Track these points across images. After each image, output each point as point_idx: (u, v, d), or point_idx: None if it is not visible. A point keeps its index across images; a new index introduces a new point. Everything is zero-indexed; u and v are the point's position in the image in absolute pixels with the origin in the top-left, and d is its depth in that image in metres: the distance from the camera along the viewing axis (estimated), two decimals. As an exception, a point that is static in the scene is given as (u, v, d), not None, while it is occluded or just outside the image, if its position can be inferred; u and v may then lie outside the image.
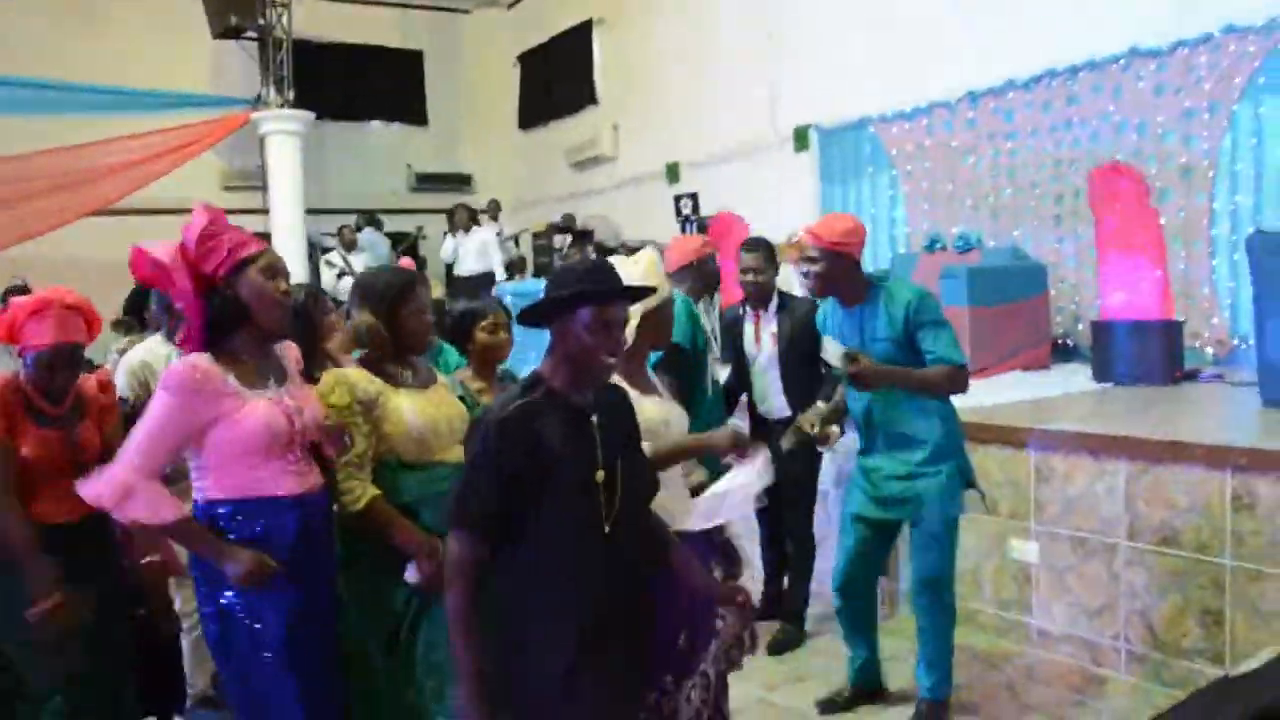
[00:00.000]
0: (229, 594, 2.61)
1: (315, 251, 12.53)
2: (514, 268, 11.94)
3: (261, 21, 11.88)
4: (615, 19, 12.95)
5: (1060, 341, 7.44)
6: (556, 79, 14.02)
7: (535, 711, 2.24)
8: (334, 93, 13.26)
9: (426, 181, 15.03)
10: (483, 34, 15.43)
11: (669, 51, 11.73)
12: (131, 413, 3.46)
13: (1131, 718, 3.49)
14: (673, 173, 11.69)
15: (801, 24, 9.86)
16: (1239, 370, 6.02)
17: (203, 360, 2.60)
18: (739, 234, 9.60)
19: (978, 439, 4.71)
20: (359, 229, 12.58)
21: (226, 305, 2.63)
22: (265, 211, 12.21)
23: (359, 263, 12.07)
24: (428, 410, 2.89)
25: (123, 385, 3.72)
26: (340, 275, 11.59)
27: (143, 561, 3.37)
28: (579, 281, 2.27)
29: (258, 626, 2.62)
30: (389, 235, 13.20)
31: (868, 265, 3.89)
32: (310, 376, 3.02)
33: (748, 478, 2.85)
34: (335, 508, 2.81)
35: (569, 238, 11.41)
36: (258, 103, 11.85)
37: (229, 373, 2.60)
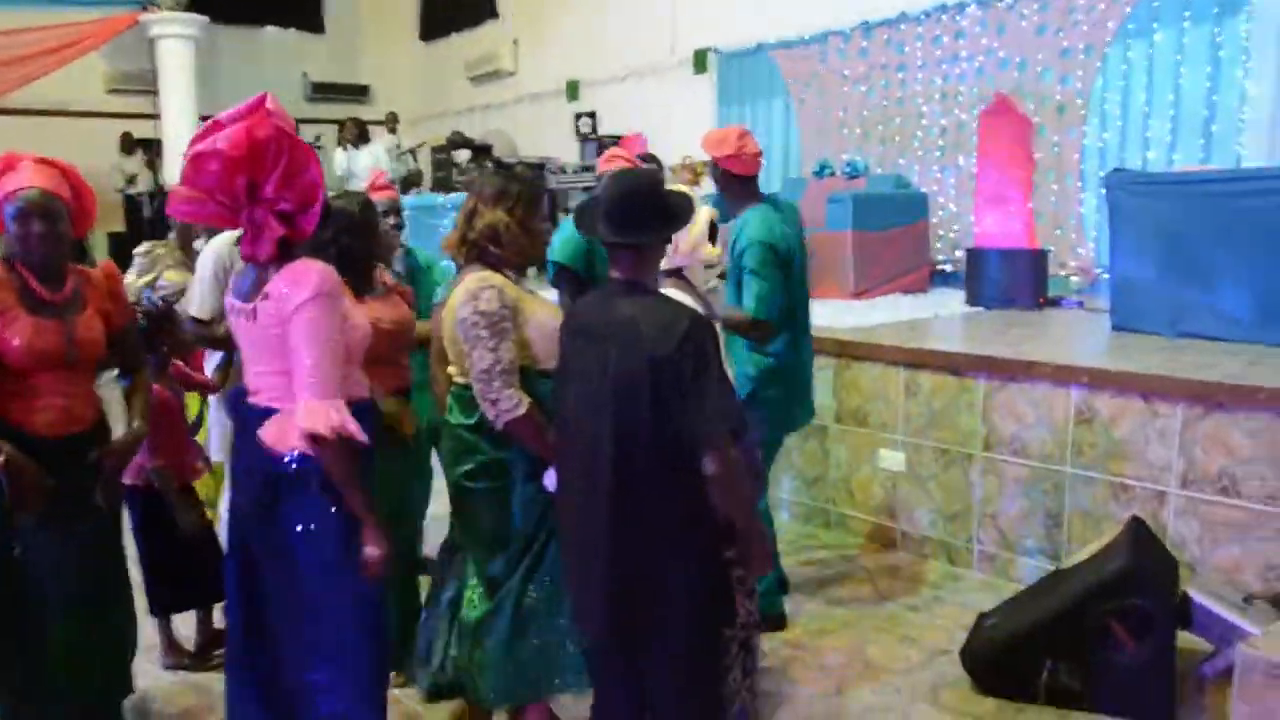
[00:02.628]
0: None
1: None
2: (410, 181, 11.91)
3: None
4: (520, -68, 12.83)
5: (938, 267, 7.84)
6: (458, -10, 13.85)
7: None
8: (227, -4, 12.92)
9: (322, 91, 14.84)
10: (384, -61, 15.15)
11: (572, -33, 11.71)
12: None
13: (982, 608, 3.88)
14: (572, 90, 11.75)
15: (703, -55, 9.96)
16: (1100, 298, 6.44)
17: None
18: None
19: (853, 355, 5.08)
20: None
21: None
22: (155, 117, 11.96)
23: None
24: (557, 315, 2.87)
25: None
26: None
27: (156, 466, 3.48)
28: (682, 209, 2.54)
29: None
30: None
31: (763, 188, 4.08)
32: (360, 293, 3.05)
33: None
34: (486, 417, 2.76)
35: (469, 153, 11.42)
36: (147, 3, 11.48)
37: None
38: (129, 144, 12.85)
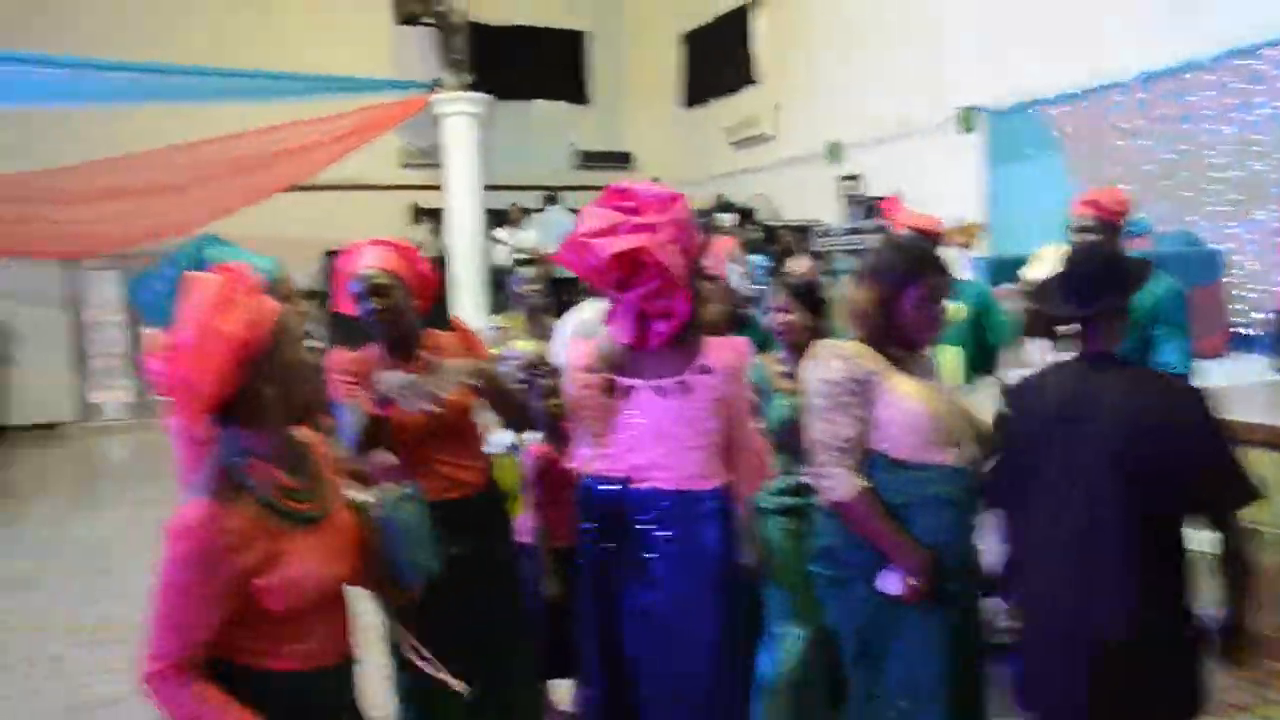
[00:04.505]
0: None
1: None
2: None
3: (440, 7, 12.45)
4: (777, -2, 13.09)
5: (1238, 330, 7.35)
6: (718, 58, 14.19)
7: None
8: (502, 72, 13.71)
9: (588, 159, 15.47)
10: (645, 13, 15.74)
11: (830, 30, 11.79)
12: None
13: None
14: (834, 152, 11.77)
15: (966, 1, 9.84)
16: None
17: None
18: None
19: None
20: (542, 205, 13.42)
21: None
22: (437, 188, 12.85)
23: (527, 240, 12.67)
24: (932, 400, 2.59)
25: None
26: (512, 253, 12.35)
27: (536, 524, 3.48)
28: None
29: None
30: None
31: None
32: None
33: None
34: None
35: (737, 216, 11.69)
36: (436, 85, 12.41)
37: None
38: (417, 214, 13.87)
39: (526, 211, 13.46)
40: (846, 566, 2.64)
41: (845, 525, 2.59)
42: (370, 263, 3.05)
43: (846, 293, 2.78)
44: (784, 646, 2.98)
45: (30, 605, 6.26)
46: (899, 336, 2.64)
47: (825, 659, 2.72)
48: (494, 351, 4.56)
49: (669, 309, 2.60)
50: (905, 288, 2.60)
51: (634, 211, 2.61)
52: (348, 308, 3.07)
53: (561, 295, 5.69)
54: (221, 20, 13.15)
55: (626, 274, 2.59)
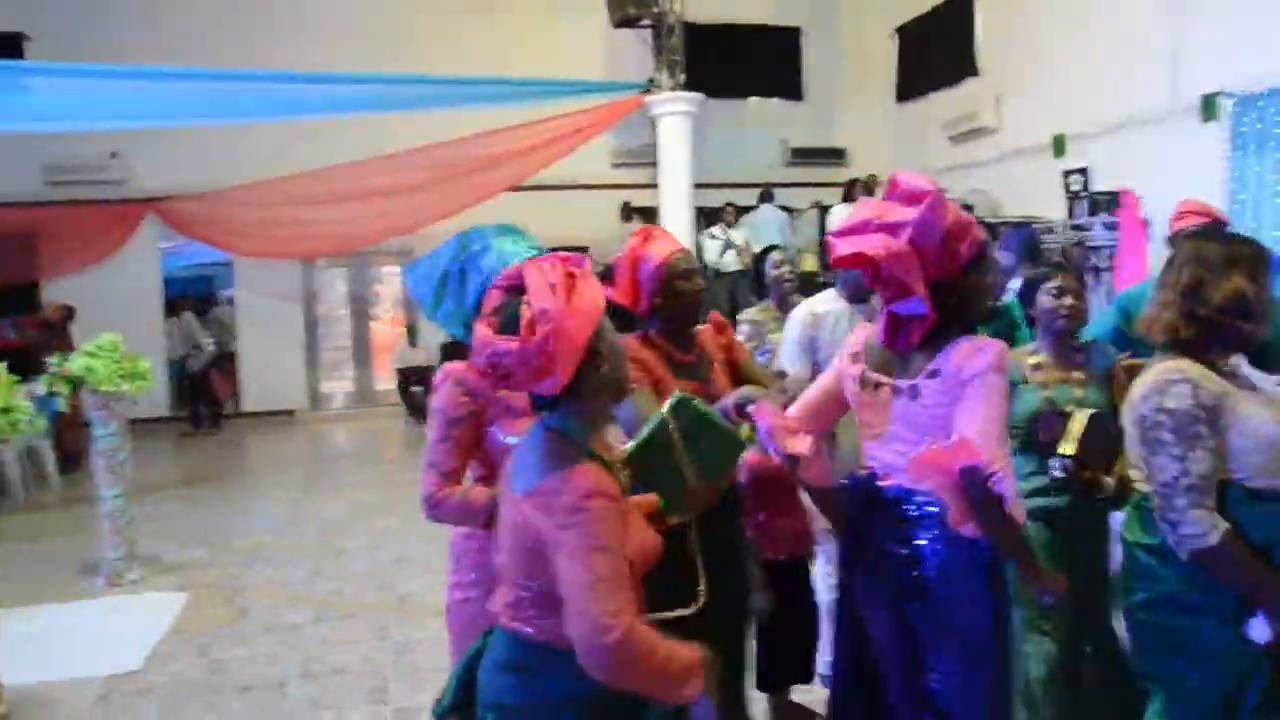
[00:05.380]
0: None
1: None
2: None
3: (656, 9, 12.66)
4: (999, -14, 12.66)
5: None
6: (935, 50, 13.87)
7: None
8: (715, 71, 13.81)
9: (801, 156, 15.38)
10: (859, 6, 15.51)
11: (1056, 16, 11.29)
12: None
13: None
14: (1059, 145, 11.29)
15: (1208, -21, 9.21)
16: None
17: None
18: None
19: None
20: (755, 203, 13.52)
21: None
22: (653, 186, 13.10)
23: (739, 237, 12.73)
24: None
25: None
26: (725, 249, 12.47)
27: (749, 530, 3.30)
28: None
29: None
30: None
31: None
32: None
33: None
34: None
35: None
36: (651, 85, 12.63)
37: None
38: (628, 212, 14.14)
39: (740, 210, 13.51)
40: (1198, 614, 2.39)
41: (1207, 573, 2.34)
42: (677, 248, 3.09)
43: (1146, 300, 2.55)
44: (1036, 657, 2.92)
45: (269, 577, 6.77)
46: (1228, 339, 2.42)
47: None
48: (750, 346, 4.59)
49: (911, 312, 2.53)
50: (1228, 280, 2.38)
51: (889, 208, 2.57)
52: (626, 298, 3.08)
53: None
54: (445, 25, 13.80)
55: (869, 274, 2.58)
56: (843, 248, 2.56)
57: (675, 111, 12.56)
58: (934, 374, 2.48)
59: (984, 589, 2.49)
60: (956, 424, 2.38)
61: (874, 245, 2.50)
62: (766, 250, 4.99)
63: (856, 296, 4.06)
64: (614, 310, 2.29)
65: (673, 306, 3.03)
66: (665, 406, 2.56)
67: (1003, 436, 2.35)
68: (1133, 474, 2.55)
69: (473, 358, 2.14)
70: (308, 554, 7.27)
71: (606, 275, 3.03)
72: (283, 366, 14.38)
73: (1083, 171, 10.76)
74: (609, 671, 1.92)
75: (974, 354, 2.42)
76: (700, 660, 2.03)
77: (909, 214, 2.49)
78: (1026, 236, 6.27)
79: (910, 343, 2.55)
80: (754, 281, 5.22)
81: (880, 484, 2.61)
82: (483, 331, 2.05)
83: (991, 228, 10.61)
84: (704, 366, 3.09)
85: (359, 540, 7.58)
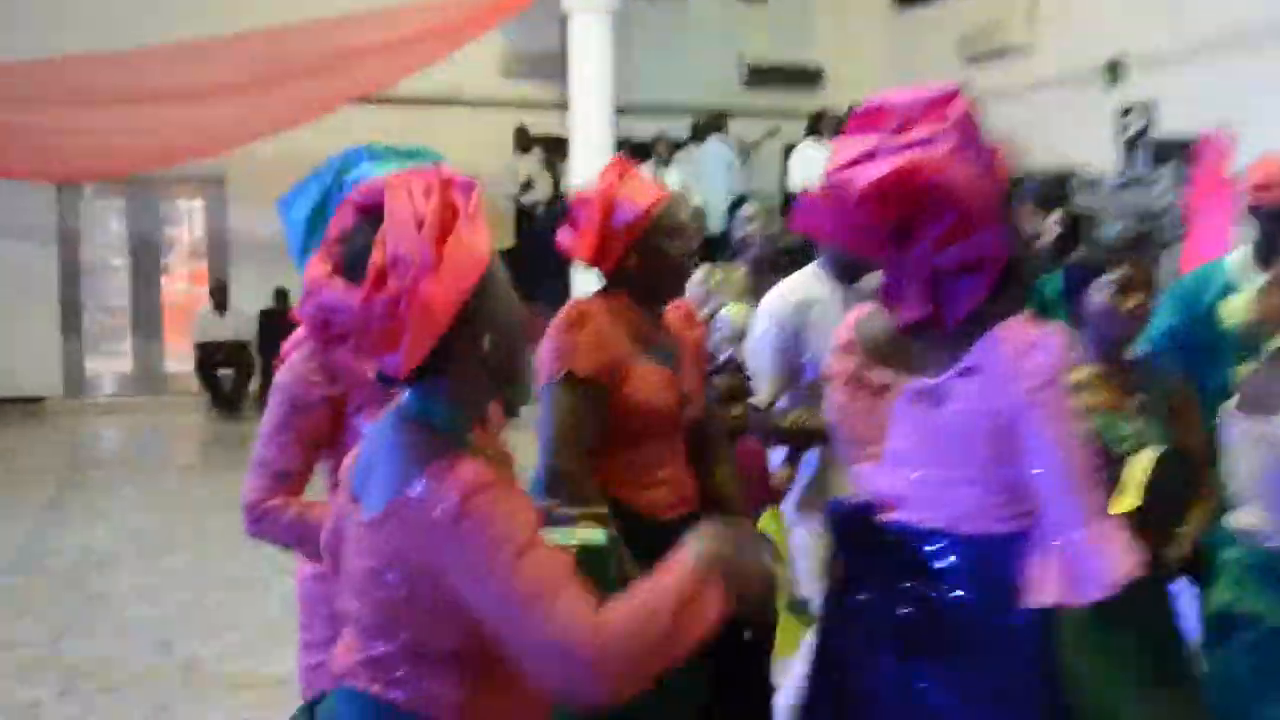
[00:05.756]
0: None
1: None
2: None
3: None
4: None
5: None
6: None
7: None
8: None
9: (761, 77, 15.47)
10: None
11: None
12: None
13: None
14: (1113, 72, 11.46)
15: None
16: None
17: None
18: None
19: None
20: (698, 136, 13.48)
21: None
22: (562, 107, 12.98)
23: (674, 180, 12.56)
24: None
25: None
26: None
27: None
28: None
29: None
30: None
31: None
32: None
33: None
34: None
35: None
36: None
37: None
38: (524, 141, 14.02)
39: (676, 145, 13.41)
40: None
41: None
42: (665, 192, 3.18)
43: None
44: None
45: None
46: None
47: None
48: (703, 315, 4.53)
49: (977, 254, 2.41)
50: None
51: (899, 131, 2.45)
52: (587, 252, 3.11)
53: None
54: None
55: (906, 213, 2.40)
56: (870, 172, 2.37)
57: (592, 8, 12.46)
58: (969, 371, 2.43)
59: (1036, 651, 2.49)
60: (1040, 489, 2.36)
61: (916, 158, 2.35)
62: (737, 203, 4.91)
63: (846, 274, 3.94)
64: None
65: (651, 271, 3.10)
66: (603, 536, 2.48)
67: (1095, 482, 2.37)
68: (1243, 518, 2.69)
69: (300, 305, 2.07)
70: (54, 601, 7.04)
71: (566, 215, 3.15)
72: (27, 336, 13.81)
73: (1145, 108, 10.85)
74: (615, 683, 1.92)
75: (1030, 350, 2.37)
76: (696, 568, 1.96)
77: (939, 123, 2.39)
78: (1054, 184, 6.17)
79: (962, 312, 2.45)
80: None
81: (882, 518, 2.59)
82: (316, 269, 1.98)
83: (1014, 182, 10.64)
84: (676, 353, 3.16)
85: (131, 581, 7.30)
